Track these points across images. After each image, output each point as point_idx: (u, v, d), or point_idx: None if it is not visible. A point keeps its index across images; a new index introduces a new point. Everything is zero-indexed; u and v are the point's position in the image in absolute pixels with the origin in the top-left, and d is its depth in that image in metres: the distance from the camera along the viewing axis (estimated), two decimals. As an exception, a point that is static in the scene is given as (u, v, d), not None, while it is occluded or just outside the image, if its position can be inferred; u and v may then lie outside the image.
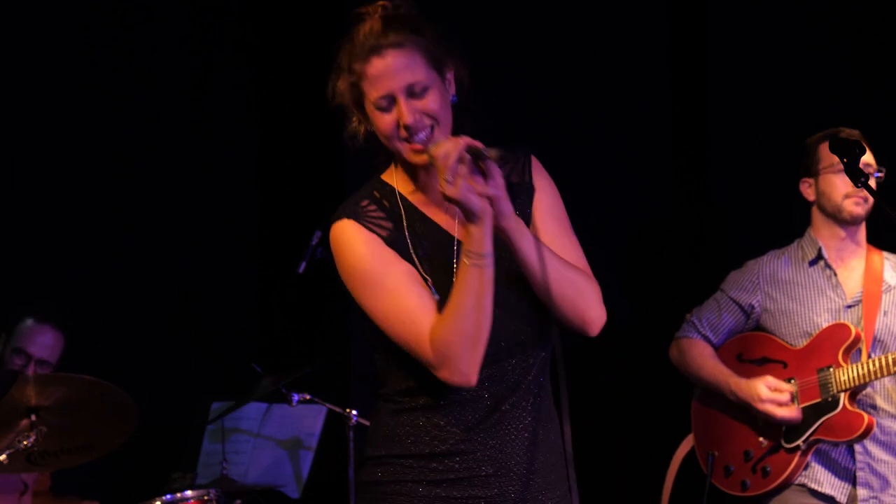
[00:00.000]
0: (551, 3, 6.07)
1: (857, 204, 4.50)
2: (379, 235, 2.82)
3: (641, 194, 6.02)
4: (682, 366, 4.74)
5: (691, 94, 6.14)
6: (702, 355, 4.68)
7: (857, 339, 4.44)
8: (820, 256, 4.57)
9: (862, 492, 4.47)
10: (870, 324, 4.47)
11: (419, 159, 2.80)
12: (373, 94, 2.79)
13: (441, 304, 2.77)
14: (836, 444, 4.45)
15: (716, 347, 4.70)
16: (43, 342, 5.18)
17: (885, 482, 4.50)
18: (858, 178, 3.80)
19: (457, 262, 2.82)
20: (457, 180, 2.68)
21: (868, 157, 4.48)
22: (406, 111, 2.76)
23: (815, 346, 4.49)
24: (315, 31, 6.09)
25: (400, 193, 2.88)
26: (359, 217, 2.84)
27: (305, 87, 6.10)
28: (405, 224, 2.85)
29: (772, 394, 4.46)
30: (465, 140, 2.71)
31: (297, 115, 6.11)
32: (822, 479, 4.48)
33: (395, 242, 2.83)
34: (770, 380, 4.49)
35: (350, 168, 5.99)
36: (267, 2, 6.19)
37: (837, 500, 4.47)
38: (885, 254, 4.60)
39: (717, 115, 6.06)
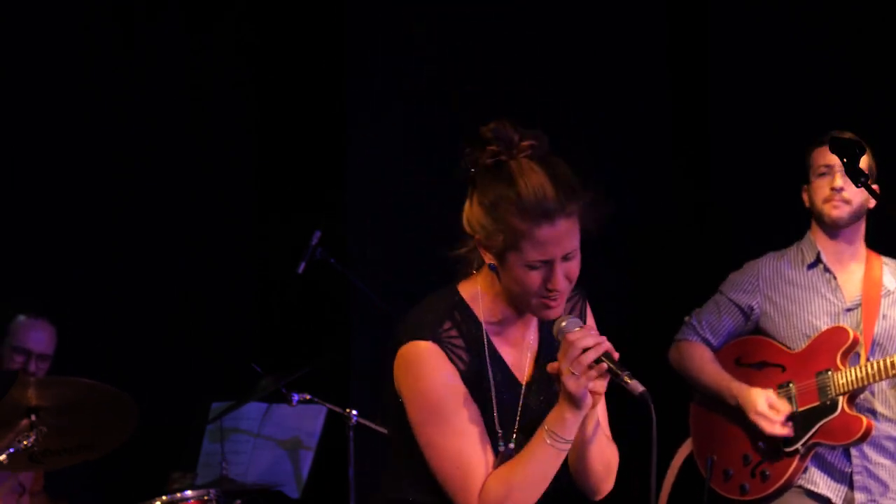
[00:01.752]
0: (551, 3, 6.07)
1: (835, 207, 4.50)
2: (458, 368, 2.76)
3: (641, 194, 6.02)
4: (681, 369, 4.73)
5: (691, 95, 6.14)
6: (701, 358, 4.68)
7: (856, 343, 4.44)
8: (819, 260, 4.56)
9: (860, 496, 4.46)
10: (869, 327, 4.47)
11: (547, 315, 2.75)
12: (532, 255, 2.69)
13: (502, 459, 2.76)
14: (834, 448, 4.45)
15: (715, 350, 4.69)
16: (40, 337, 5.19)
17: (884, 486, 4.49)
18: (858, 178, 3.80)
19: (520, 411, 2.80)
20: (582, 378, 2.67)
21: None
22: (560, 277, 2.71)
23: (814, 349, 4.49)
24: (315, 31, 6.10)
25: (483, 326, 2.82)
26: (442, 343, 2.76)
27: (305, 87, 6.11)
28: (488, 362, 2.80)
29: (768, 410, 4.47)
30: (608, 345, 2.69)
31: (297, 114, 6.12)
32: (820, 482, 4.48)
33: (470, 379, 2.77)
34: (771, 395, 4.49)
35: (350, 168, 6.00)
36: (267, 2, 6.19)
37: (834, 501, 4.47)
38: (885, 259, 4.60)
39: (717, 116, 6.06)
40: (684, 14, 6.18)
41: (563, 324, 2.74)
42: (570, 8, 6.05)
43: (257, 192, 6.19)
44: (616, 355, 2.70)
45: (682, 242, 5.99)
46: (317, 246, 5.18)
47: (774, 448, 4.50)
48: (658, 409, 2.74)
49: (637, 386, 2.68)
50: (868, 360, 4.41)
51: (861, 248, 4.58)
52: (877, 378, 4.34)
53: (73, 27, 5.86)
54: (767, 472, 4.51)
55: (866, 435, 4.38)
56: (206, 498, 4.86)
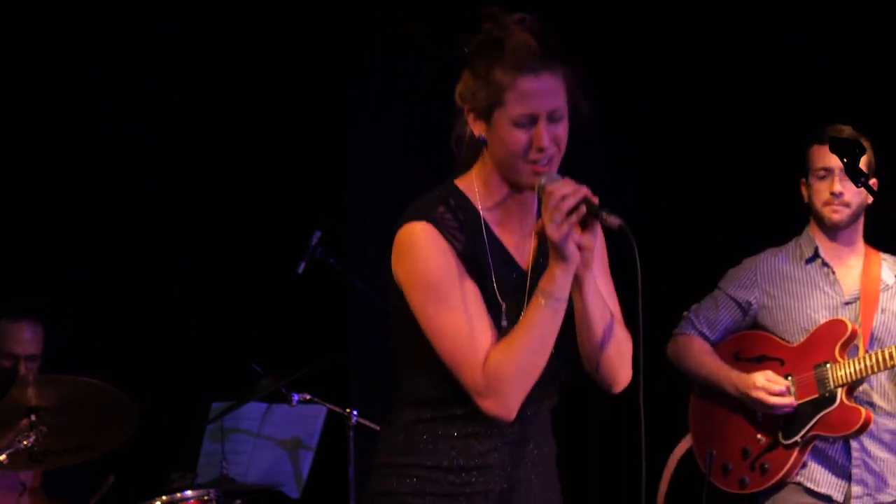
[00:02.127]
0: (551, 3, 6.07)
1: (834, 212, 4.51)
2: (454, 247, 2.78)
3: (641, 194, 6.02)
4: (679, 362, 4.74)
5: (691, 95, 6.14)
6: (699, 351, 4.68)
7: (854, 335, 4.45)
8: (817, 255, 4.57)
9: (856, 489, 4.46)
10: (867, 321, 4.47)
11: (535, 180, 2.77)
12: (516, 109, 2.74)
13: (503, 334, 2.76)
14: (833, 440, 4.45)
15: (713, 344, 4.70)
16: (24, 338, 5.15)
17: (882, 481, 4.49)
18: (858, 178, 3.80)
19: (526, 294, 2.81)
20: (563, 226, 2.69)
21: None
22: (546, 135, 2.74)
23: (812, 342, 4.50)
24: (315, 31, 6.10)
25: (479, 210, 2.84)
26: (437, 223, 2.79)
27: (305, 87, 6.11)
28: (486, 242, 2.83)
29: (766, 383, 4.47)
30: (586, 191, 2.72)
31: (297, 114, 6.12)
32: (819, 479, 4.48)
33: (468, 258, 2.79)
34: (769, 373, 4.50)
35: (350, 168, 6.00)
36: (267, 2, 6.19)
37: (835, 498, 4.47)
38: (883, 255, 4.61)
39: (717, 115, 6.06)
40: (684, 14, 6.18)
41: (543, 181, 2.76)
42: (569, 8, 6.05)
43: (257, 192, 6.19)
44: (595, 200, 2.72)
45: (681, 242, 5.99)
46: (317, 246, 5.19)
47: (774, 441, 4.51)
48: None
49: (614, 220, 2.72)
50: (867, 352, 4.41)
51: (859, 243, 4.58)
52: (875, 370, 4.35)
53: (73, 27, 5.86)
54: (767, 466, 4.51)
55: (865, 426, 4.39)
56: (206, 498, 4.86)
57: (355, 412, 5.07)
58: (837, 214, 4.50)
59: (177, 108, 6.03)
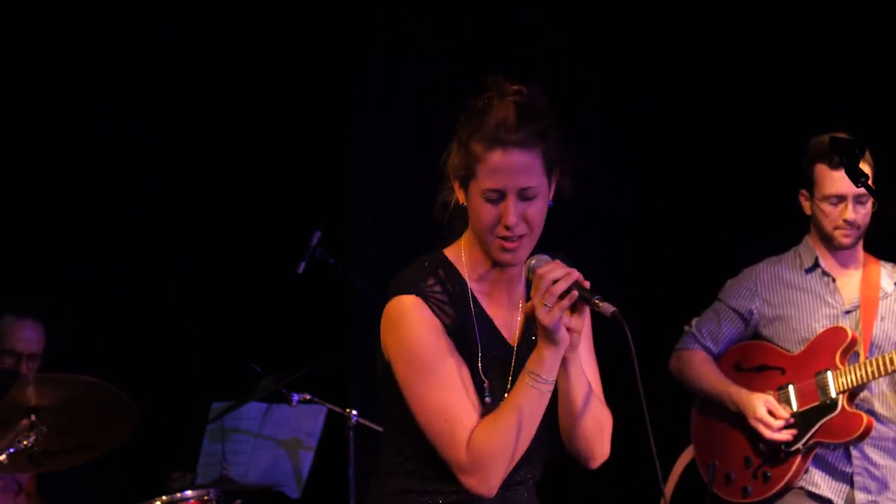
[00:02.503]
0: (551, 3, 6.07)
1: (846, 236, 4.52)
2: (442, 322, 2.78)
3: (641, 194, 6.02)
4: (682, 377, 4.75)
5: (691, 95, 6.14)
6: (701, 365, 4.69)
7: (854, 342, 4.45)
8: (817, 264, 4.57)
9: (860, 496, 4.47)
10: (867, 328, 4.48)
11: (504, 258, 2.77)
12: (485, 183, 2.73)
13: (487, 410, 2.77)
14: (835, 447, 4.45)
15: (717, 357, 4.70)
16: (27, 336, 5.15)
17: (884, 485, 4.50)
18: (858, 178, 3.79)
19: (512, 370, 2.82)
20: (554, 310, 2.68)
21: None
22: (512, 212, 2.72)
23: (813, 350, 4.50)
24: (315, 31, 6.10)
25: (467, 282, 2.84)
26: (425, 297, 2.78)
27: (305, 88, 6.11)
28: (473, 318, 2.82)
29: (766, 416, 4.47)
30: (577, 275, 2.71)
31: (297, 114, 6.12)
32: (821, 482, 4.48)
33: (455, 333, 2.79)
34: (771, 401, 4.50)
35: (350, 168, 6.00)
36: (267, 2, 6.19)
37: (835, 502, 4.48)
38: (882, 262, 4.61)
39: (717, 116, 6.06)
40: (684, 14, 6.18)
41: (532, 262, 2.76)
42: (570, 8, 6.05)
43: (257, 192, 6.19)
44: (587, 284, 2.72)
45: (681, 242, 5.99)
46: (317, 246, 5.18)
47: (775, 449, 4.51)
48: (659, 418, 2.75)
49: (608, 307, 2.70)
50: (867, 359, 4.41)
51: (859, 251, 4.59)
52: (875, 375, 4.35)
53: (73, 27, 5.85)
54: (769, 474, 4.52)
55: (867, 432, 4.39)
56: (206, 498, 4.86)
57: (355, 412, 5.07)
58: (848, 239, 4.52)
59: (177, 108, 6.02)
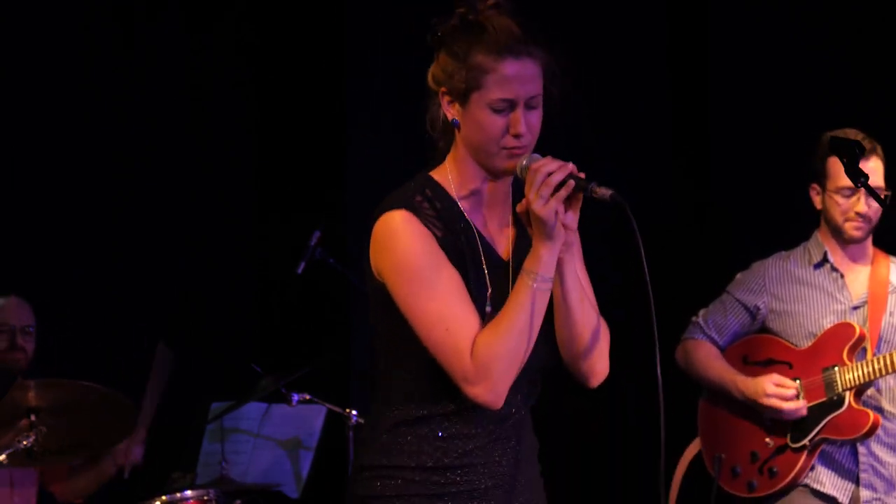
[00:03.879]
0: (551, 3, 6.07)
1: (857, 229, 4.51)
2: (434, 234, 2.76)
3: (641, 194, 6.01)
4: (688, 367, 4.74)
5: (691, 94, 6.14)
6: (707, 356, 4.68)
7: (862, 338, 4.44)
8: (825, 260, 4.57)
9: (865, 493, 4.46)
10: (875, 324, 4.47)
11: (510, 164, 2.76)
12: (495, 93, 2.71)
13: (487, 320, 2.74)
14: (841, 444, 4.45)
15: (721, 349, 4.70)
16: (17, 312, 5.13)
17: (890, 484, 4.49)
18: (858, 178, 3.79)
19: (510, 280, 2.78)
20: (551, 201, 2.67)
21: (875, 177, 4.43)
22: (522, 120, 2.73)
23: (820, 345, 4.49)
24: (315, 31, 6.10)
25: (455, 199, 2.82)
26: (415, 210, 2.76)
27: (305, 87, 6.11)
28: (464, 230, 2.80)
29: (777, 389, 4.46)
30: (572, 166, 2.70)
31: (297, 114, 6.12)
32: (825, 480, 4.48)
33: (447, 246, 2.77)
34: (776, 377, 4.49)
35: (350, 168, 6.00)
36: (267, 2, 6.19)
37: (840, 500, 4.47)
38: (892, 257, 4.60)
39: (717, 115, 6.06)
40: (684, 14, 6.18)
41: (524, 161, 2.75)
42: (569, 8, 6.05)
43: (257, 192, 6.19)
44: (582, 175, 2.71)
45: (682, 242, 5.99)
46: (317, 246, 5.18)
47: (782, 444, 4.51)
48: (666, 410, 2.74)
49: (605, 191, 2.70)
50: (875, 356, 4.41)
51: (868, 247, 4.58)
52: (883, 372, 4.34)
53: (73, 27, 5.86)
54: (775, 469, 4.51)
55: (873, 429, 4.39)
56: (206, 498, 4.86)
57: (355, 412, 5.07)
58: (859, 232, 4.51)
59: (177, 108, 6.03)
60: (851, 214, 4.48)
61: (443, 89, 2.79)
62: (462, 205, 2.82)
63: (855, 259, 4.56)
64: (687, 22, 6.18)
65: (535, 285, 2.70)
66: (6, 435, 4.48)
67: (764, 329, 4.66)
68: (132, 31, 5.97)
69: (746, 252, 4.91)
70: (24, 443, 4.45)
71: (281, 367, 5.22)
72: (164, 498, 4.83)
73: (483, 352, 2.69)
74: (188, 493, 4.88)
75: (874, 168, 4.44)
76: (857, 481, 4.47)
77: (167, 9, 6.06)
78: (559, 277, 2.77)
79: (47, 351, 5.23)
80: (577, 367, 2.86)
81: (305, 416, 5.34)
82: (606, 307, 2.95)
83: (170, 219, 5.97)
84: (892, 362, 4.31)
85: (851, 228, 4.50)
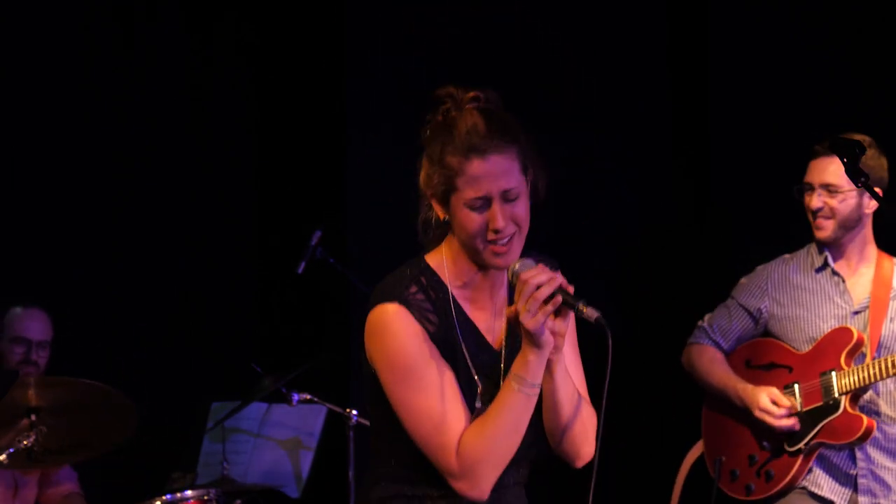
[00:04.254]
0: (552, 2, 6.07)
1: (817, 228, 4.52)
2: (426, 330, 2.77)
3: (641, 194, 6.02)
4: (692, 372, 4.76)
5: (691, 95, 6.14)
6: (711, 361, 4.70)
7: (860, 343, 4.44)
8: (826, 264, 4.56)
9: (863, 499, 4.46)
10: (876, 329, 4.46)
11: (498, 262, 2.78)
12: (468, 193, 2.74)
13: (477, 415, 2.76)
14: (837, 448, 4.45)
15: (726, 353, 4.71)
16: (38, 326, 5.17)
17: (888, 487, 4.49)
18: (858, 178, 3.79)
19: (502, 374, 2.81)
20: (538, 315, 2.69)
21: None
22: (500, 216, 2.73)
23: (819, 350, 4.49)
24: (315, 31, 6.10)
25: (449, 289, 2.83)
26: (409, 305, 2.77)
27: (305, 88, 6.11)
28: (456, 325, 2.81)
29: (770, 405, 4.48)
30: (561, 279, 2.72)
31: (297, 115, 6.12)
32: (823, 484, 4.48)
33: (440, 340, 2.78)
34: (774, 391, 4.50)
35: (350, 168, 6.00)
36: (267, 2, 6.19)
37: (837, 504, 4.48)
38: None
39: (718, 116, 6.06)
40: (684, 14, 6.18)
41: (517, 266, 2.77)
42: (570, 8, 6.05)
43: (257, 192, 6.19)
44: (570, 289, 2.72)
45: (681, 242, 5.99)
46: (316, 246, 5.18)
47: (779, 448, 4.51)
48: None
49: (592, 312, 2.71)
50: (873, 360, 4.41)
51: (870, 249, 4.56)
52: (878, 377, 4.34)
53: (73, 27, 5.86)
54: (772, 473, 4.52)
55: (867, 434, 4.38)
56: (206, 498, 4.86)
57: (355, 412, 5.07)
58: (820, 231, 4.52)
59: (177, 108, 6.03)
60: (809, 214, 4.51)
61: (429, 192, 2.83)
62: (456, 294, 2.83)
63: (856, 263, 4.55)
64: (687, 22, 6.18)
65: (521, 390, 2.73)
66: (6, 435, 4.48)
67: (767, 332, 4.67)
68: (132, 31, 5.97)
69: (747, 252, 4.91)
70: (25, 443, 4.45)
71: (281, 367, 5.22)
72: (164, 498, 4.83)
73: (468, 452, 2.74)
74: (188, 493, 4.88)
75: (822, 167, 4.46)
76: (855, 486, 4.47)
77: (167, 9, 6.06)
78: (549, 377, 2.80)
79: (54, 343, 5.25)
80: (564, 451, 2.91)
81: (305, 416, 5.34)
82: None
83: (170, 219, 5.97)
84: (887, 367, 4.31)
85: (814, 227, 4.52)
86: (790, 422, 4.46)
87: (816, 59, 5.78)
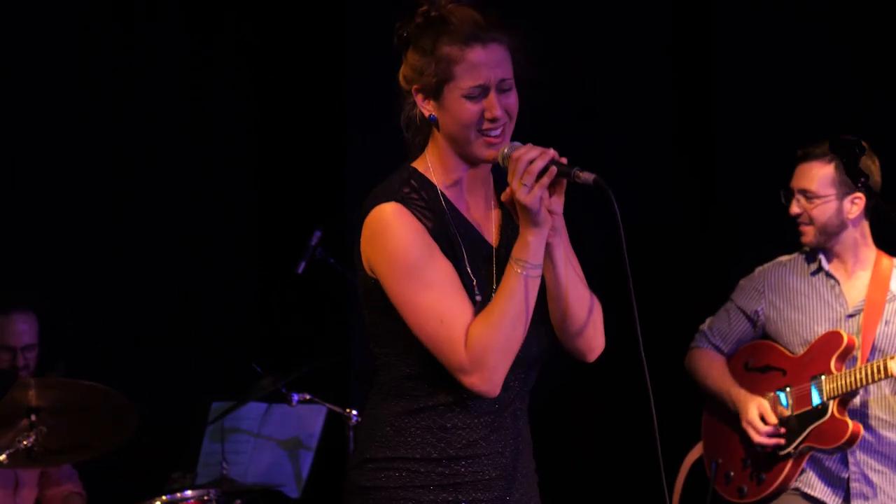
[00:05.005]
0: (555, 1, 6.06)
1: (801, 234, 4.54)
2: (425, 226, 2.77)
3: (645, 193, 6.01)
4: (693, 375, 4.78)
5: (695, 93, 6.13)
6: (709, 365, 4.71)
7: (851, 347, 4.43)
8: (821, 267, 4.56)
9: (856, 503, 4.46)
10: (869, 332, 4.45)
11: (490, 154, 2.79)
12: (467, 81, 2.75)
13: (478, 308, 2.75)
14: (826, 452, 4.45)
15: (727, 356, 4.72)
16: (17, 330, 5.13)
17: (881, 491, 4.48)
18: (858, 178, 3.79)
19: (494, 267, 2.81)
20: (535, 189, 2.69)
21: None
22: (497, 104, 2.76)
23: (811, 353, 4.50)
24: (315, 31, 6.10)
25: (439, 189, 2.83)
26: (405, 202, 2.78)
27: (305, 88, 6.11)
28: (451, 221, 2.81)
29: (756, 419, 4.49)
30: (553, 152, 2.72)
31: (297, 115, 6.11)
32: (816, 484, 4.49)
33: (438, 236, 2.78)
34: (764, 404, 4.51)
35: (350, 168, 6.00)
36: (267, 2, 6.19)
37: (829, 504, 4.48)
38: None
39: (721, 114, 6.05)
40: (688, 12, 6.18)
41: (506, 150, 2.77)
42: (573, 6, 6.04)
43: (257, 192, 6.19)
44: (563, 160, 2.73)
45: (685, 241, 5.98)
46: (316, 246, 5.18)
47: (769, 452, 4.52)
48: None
49: (588, 175, 2.72)
50: (862, 365, 4.40)
51: (865, 252, 4.54)
52: (865, 382, 4.33)
53: (73, 27, 5.85)
54: (763, 476, 4.54)
55: (853, 439, 4.38)
56: (206, 498, 4.86)
57: (355, 412, 5.07)
58: (803, 237, 4.54)
59: (177, 108, 6.02)
60: (795, 218, 4.53)
61: (415, 87, 2.82)
62: (447, 193, 2.83)
63: (852, 266, 4.54)
64: (691, 20, 6.18)
65: (524, 273, 2.72)
66: (6, 435, 4.48)
67: (765, 335, 4.68)
68: (132, 31, 5.97)
69: (750, 251, 4.91)
70: (25, 443, 4.45)
71: (281, 367, 5.22)
72: (164, 498, 4.83)
73: (477, 342, 2.71)
74: (188, 493, 4.88)
75: (801, 172, 4.49)
76: (847, 489, 4.47)
77: (167, 9, 6.05)
78: (549, 261, 2.79)
79: (48, 351, 5.23)
80: (574, 345, 2.89)
81: (305, 416, 5.34)
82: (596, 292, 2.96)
83: (170, 219, 5.97)
84: (874, 372, 4.30)
85: (800, 235, 4.54)
86: (773, 441, 4.47)
87: (820, 57, 5.77)
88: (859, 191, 4.36)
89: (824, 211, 4.45)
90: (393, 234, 2.75)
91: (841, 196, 4.44)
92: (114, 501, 5.27)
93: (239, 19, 6.20)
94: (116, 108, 5.90)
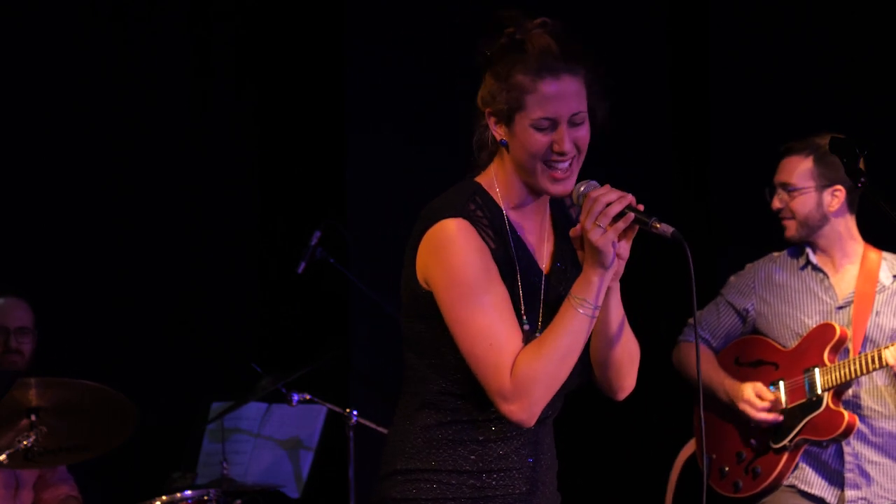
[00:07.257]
0: (552, 3, 6.06)
1: (783, 229, 4.56)
2: (488, 246, 2.76)
3: (641, 194, 6.01)
4: (681, 369, 4.77)
5: (692, 94, 6.14)
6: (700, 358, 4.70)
7: (843, 339, 4.45)
8: (809, 261, 4.58)
9: (850, 493, 4.47)
10: (860, 323, 4.47)
11: (554, 189, 2.77)
12: (537, 112, 2.74)
13: (526, 338, 2.75)
14: (821, 444, 4.47)
15: (716, 351, 4.72)
16: (14, 313, 5.13)
17: (877, 484, 4.49)
18: (858, 178, 3.80)
19: (543, 296, 2.81)
20: (609, 232, 2.67)
21: None
22: (566, 138, 2.74)
23: (804, 346, 4.52)
24: (315, 31, 6.10)
25: (503, 210, 2.82)
26: (471, 220, 2.75)
27: (305, 88, 6.11)
28: (510, 243, 2.80)
29: (753, 397, 4.50)
30: (631, 198, 2.71)
31: (297, 115, 6.12)
32: (812, 481, 4.50)
33: (499, 259, 2.76)
34: (758, 385, 4.53)
35: (350, 168, 6.00)
36: (267, 2, 6.19)
37: (827, 501, 4.48)
38: (884, 254, 4.60)
39: (718, 115, 6.06)
40: (684, 16, 6.18)
41: (582, 188, 2.75)
42: (570, 9, 6.03)
43: (258, 192, 6.19)
44: (640, 207, 2.71)
45: (680, 251, 5.98)
46: (316, 246, 5.19)
47: (765, 445, 4.53)
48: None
49: (667, 228, 2.70)
50: (855, 356, 4.42)
51: (852, 245, 4.56)
52: (858, 373, 4.36)
53: (73, 26, 5.86)
54: (758, 470, 4.55)
55: (849, 430, 4.40)
56: (206, 498, 4.86)
57: (355, 412, 5.07)
58: (786, 231, 4.57)
59: (177, 109, 6.03)
60: (777, 213, 4.56)
61: (488, 110, 2.80)
62: (509, 215, 2.82)
63: (839, 259, 4.57)
64: (687, 24, 6.18)
65: (583, 312, 2.71)
66: (6, 435, 4.48)
67: (755, 330, 4.69)
68: (132, 31, 5.97)
69: (748, 253, 4.91)
70: (25, 443, 4.45)
71: (281, 367, 5.22)
72: (164, 498, 4.83)
73: (523, 372, 2.70)
74: (188, 493, 4.88)
75: (781, 166, 4.52)
76: (842, 482, 4.48)
77: (167, 9, 6.06)
78: (605, 305, 2.77)
79: (47, 350, 5.24)
80: (608, 384, 2.90)
81: (305, 416, 5.34)
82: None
83: (170, 219, 5.97)
84: (867, 363, 4.32)
85: (783, 230, 4.56)
86: (771, 416, 4.48)
87: (817, 58, 5.78)
88: (839, 184, 4.41)
89: (804, 203, 4.48)
90: (456, 251, 2.73)
91: (820, 188, 4.47)
92: (114, 501, 5.28)
93: (239, 19, 6.21)
94: (117, 108, 5.90)
